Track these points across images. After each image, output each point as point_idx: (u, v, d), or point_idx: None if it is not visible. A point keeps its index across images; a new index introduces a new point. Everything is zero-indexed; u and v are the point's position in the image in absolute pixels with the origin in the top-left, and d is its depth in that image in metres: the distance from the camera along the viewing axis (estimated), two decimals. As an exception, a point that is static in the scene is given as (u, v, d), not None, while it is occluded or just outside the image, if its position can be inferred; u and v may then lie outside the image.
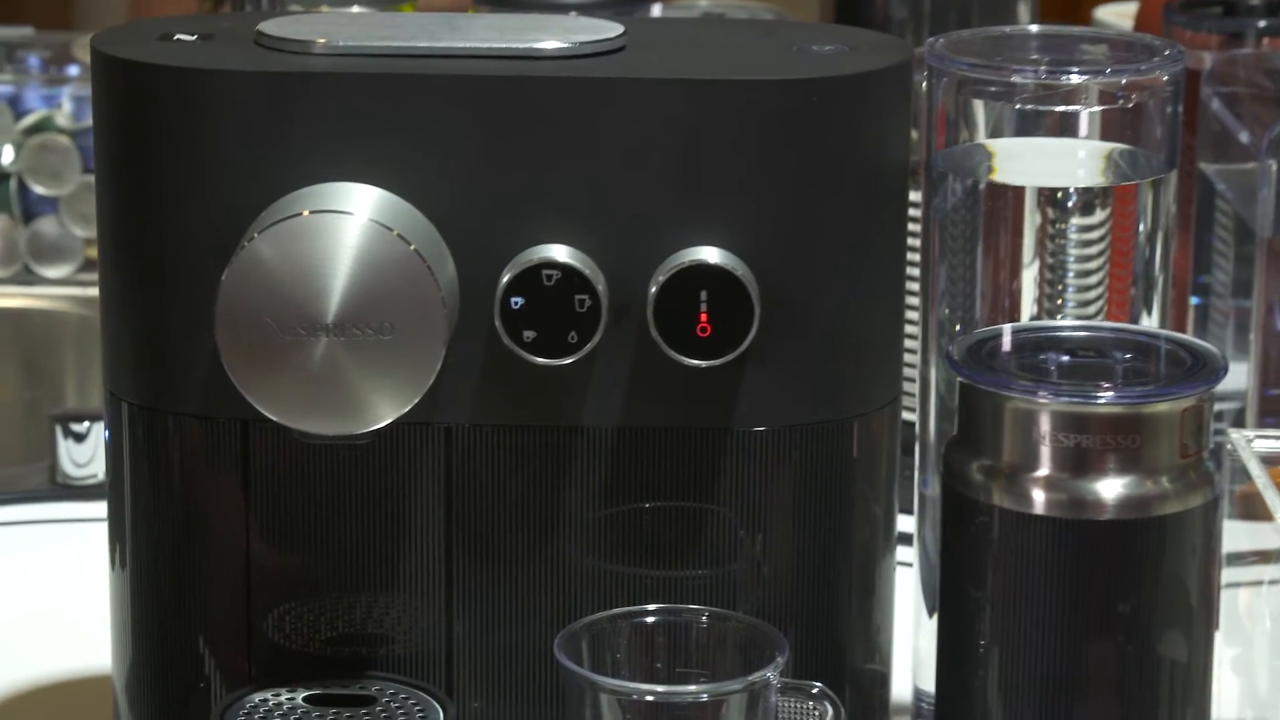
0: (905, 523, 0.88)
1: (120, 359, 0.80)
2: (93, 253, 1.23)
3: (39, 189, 1.52)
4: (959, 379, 0.75)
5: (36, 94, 1.61)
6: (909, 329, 0.85)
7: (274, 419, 0.72)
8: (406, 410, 0.72)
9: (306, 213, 0.72)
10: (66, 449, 1.14)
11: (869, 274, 0.79)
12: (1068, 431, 0.73)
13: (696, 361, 0.74)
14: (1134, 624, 0.75)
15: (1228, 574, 0.83)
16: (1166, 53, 0.84)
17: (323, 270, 0.71)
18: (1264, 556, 0.89)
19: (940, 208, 0.84)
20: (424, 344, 0.72)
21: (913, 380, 0.88)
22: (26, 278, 1.54)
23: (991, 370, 0.74)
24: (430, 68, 0.76)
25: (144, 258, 0.78)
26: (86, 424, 1.14)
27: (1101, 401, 0.73)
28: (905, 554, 0.89)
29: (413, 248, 0.71)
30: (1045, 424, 0.73)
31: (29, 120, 1.58)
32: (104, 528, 0.83)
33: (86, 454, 1.14)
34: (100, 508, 0.85)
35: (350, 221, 0.72)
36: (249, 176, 0.75)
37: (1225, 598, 0.82)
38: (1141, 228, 0.85)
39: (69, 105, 1.59)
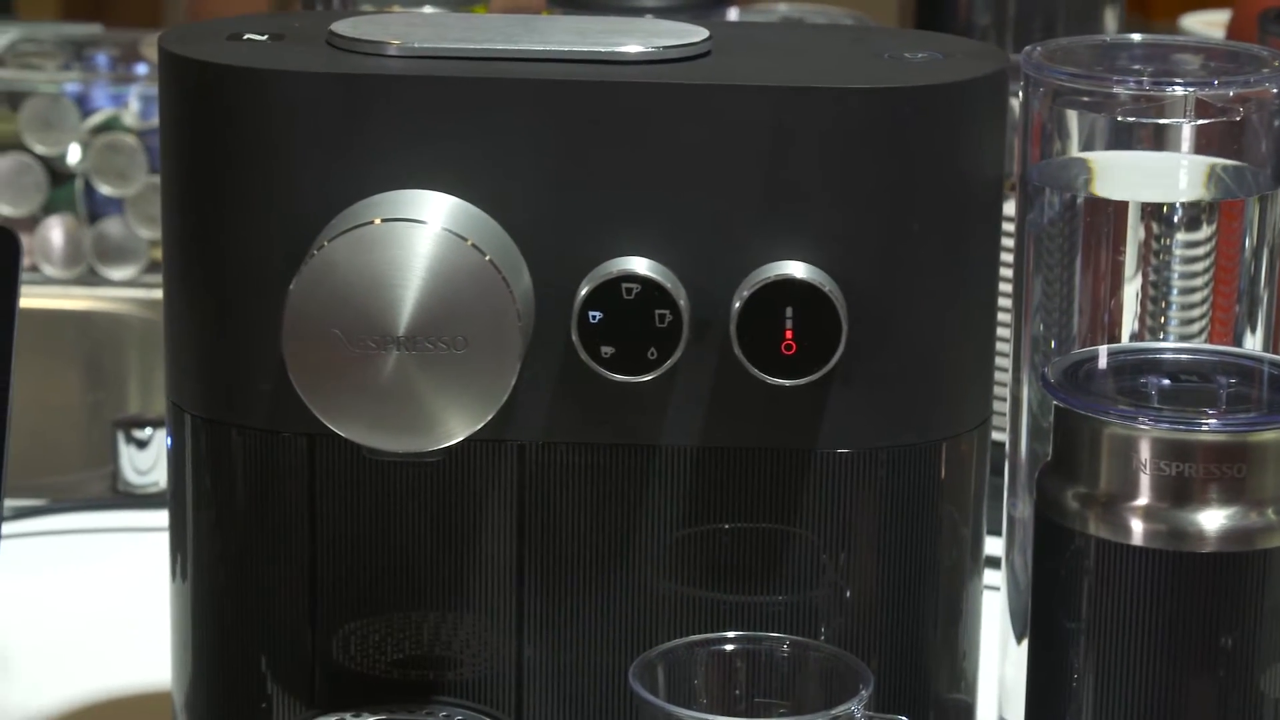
0: (993, 545, 0.87)
1: (183, 369, 0.79)
2: (158, 254, 1.24)
3: (105, 189, 1.53)
4: (1055, 403, 0.74)
5: (104, 93, 1.63)
6: (1000, 346, 0.84)
7: (341, 435, 0.71)
8: (479, 427, 0.71)
9: (378, 220, 0.71)
10: (129, 455, 1.14)
11: (961, 291, 0.78)
12: (1169, 460, 0.72)
13: (781, 380, 0.73)
14: (1236, 660, 0.73)
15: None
16: (1276, 64, 0.82)
17: (394, 281, 0.70)
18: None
19: (1036, 222, 0.83)
20: (498, 358, 0.71)
21: (1004, 399, 0.87)
22: (91, 279, 1.55)
23: (1089, 394, 0.73)
24: (508, 71, 0.75)
25: (209, 264, 0.78)
26: (149, 430, 1.14)
27: (1205, 429, 0.71)
28: (992, 578, 0.87)
29: (488, 258, 0.70)
30: (1145, 451, 0.72)
31: (96, 119, 1.59)
32: (166, 537, 0.83)
33: (149, 461, 1.14)
34: (162, 517, 0.84)
35: (423, 230, 0.71)
36: (319, 181, 0.74)
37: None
38: (1247, 244, 0.84)
39: (136, 104, 1.61)
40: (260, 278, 0.75)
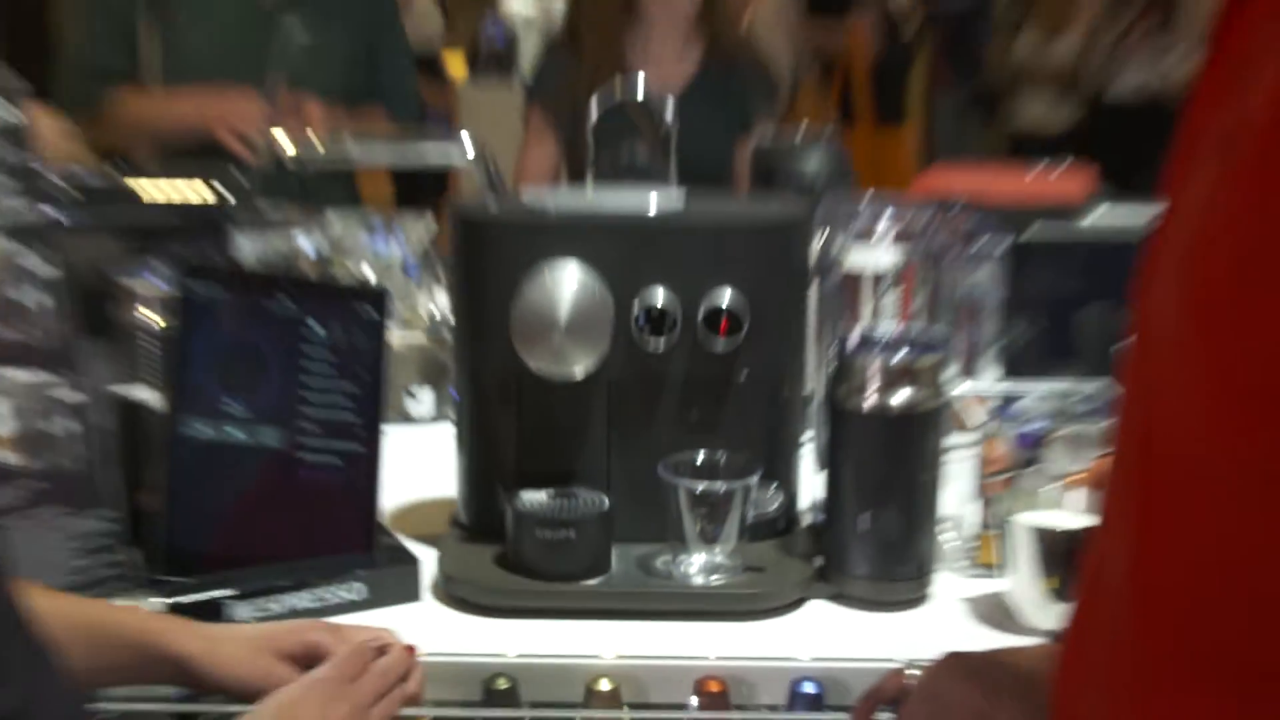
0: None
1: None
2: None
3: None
4: (838, 356, 1.48)
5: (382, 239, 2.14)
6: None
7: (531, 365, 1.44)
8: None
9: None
10: None
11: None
12: (888, 373, 1.42)
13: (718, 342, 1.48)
14: (912, 472, 1.43)
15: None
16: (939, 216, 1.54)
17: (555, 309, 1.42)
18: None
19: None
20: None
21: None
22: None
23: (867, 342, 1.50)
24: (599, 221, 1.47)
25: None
26: None
27: (902, 356, 1.44)
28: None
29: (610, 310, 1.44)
30: (877, 367, 1.43)
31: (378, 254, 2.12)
32: None
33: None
34: None
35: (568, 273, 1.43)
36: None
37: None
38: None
39: (398, 252, 2.15)
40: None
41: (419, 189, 4.45)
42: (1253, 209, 0.67)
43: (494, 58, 5.72)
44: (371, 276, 2.11)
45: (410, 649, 1.19)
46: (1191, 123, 0.78)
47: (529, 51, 5.45)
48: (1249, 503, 0.69)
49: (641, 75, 1.89)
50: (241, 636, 1.20)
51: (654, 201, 1.55)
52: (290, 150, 1.77)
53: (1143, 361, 0.77)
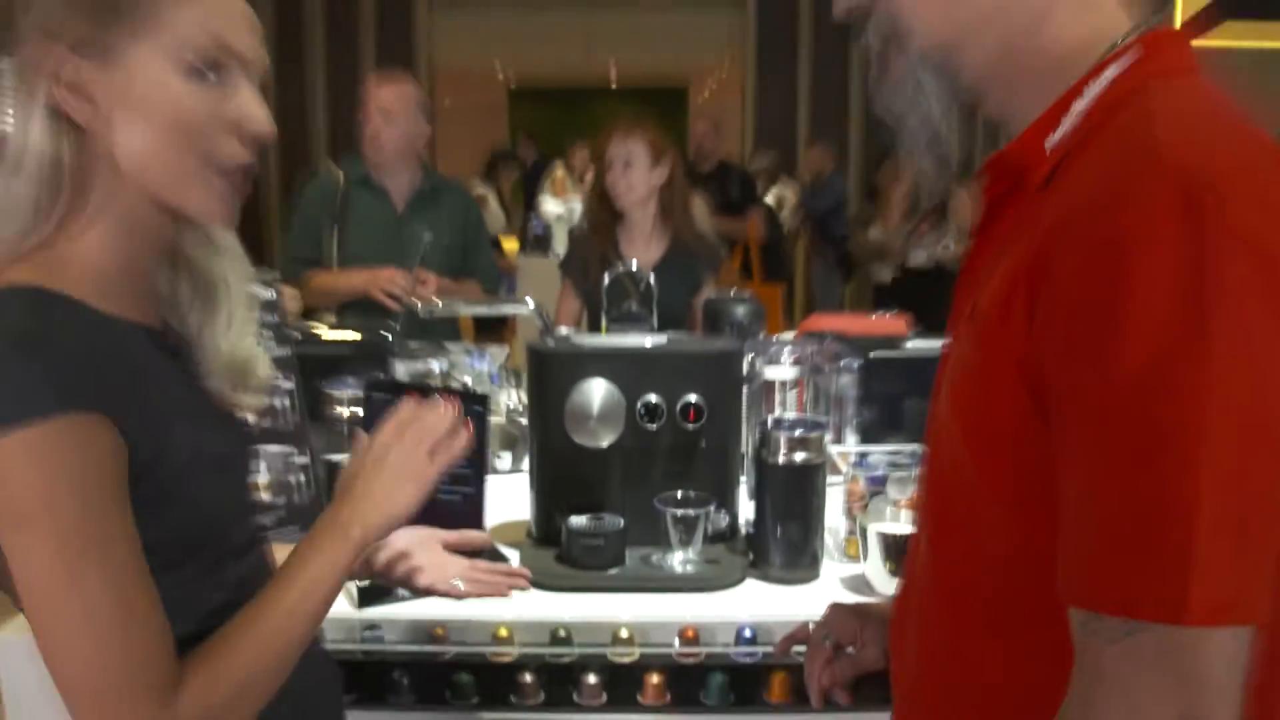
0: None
1: None
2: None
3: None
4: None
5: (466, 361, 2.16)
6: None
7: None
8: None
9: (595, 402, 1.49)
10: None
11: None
12: (790, 445, 1.49)
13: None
14: (807, 502, 1.46)
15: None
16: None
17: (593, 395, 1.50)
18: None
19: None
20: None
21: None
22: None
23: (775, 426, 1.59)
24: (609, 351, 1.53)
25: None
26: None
27: (799, 431, 1.50)
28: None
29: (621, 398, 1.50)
30: (782, 440, 1.50)
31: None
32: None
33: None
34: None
35: (597, 385, 1.46)
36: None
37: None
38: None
39: (486, 367, 2.16)
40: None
41: (491, 325, 4.62)
42: (983, 365, 0.76)
43: (536, 241, 5.85)
44: (471, 383, 2.13)
45: (453, 403, 1.06)
46: (962, 290, 0.85)
47: (560, 236, 5.59)
48: (988, 513, 0.80)
49: (634, 260, 1.97)
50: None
51: (648, 340, 1.59)
52: (420, 306, 1.83)
53: (932, 434, 0.85)
